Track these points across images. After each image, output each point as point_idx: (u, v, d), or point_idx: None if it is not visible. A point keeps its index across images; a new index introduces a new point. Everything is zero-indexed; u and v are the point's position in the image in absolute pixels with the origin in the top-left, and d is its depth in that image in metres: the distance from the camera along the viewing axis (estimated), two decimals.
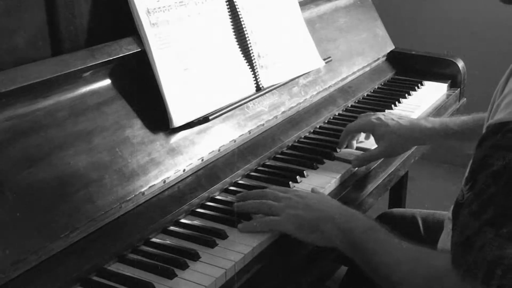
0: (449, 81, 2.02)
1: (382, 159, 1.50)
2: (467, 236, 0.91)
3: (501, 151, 0.88)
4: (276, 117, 1.53)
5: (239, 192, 1.28)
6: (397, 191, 2.33)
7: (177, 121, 1.26)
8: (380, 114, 1.52)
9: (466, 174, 0.99)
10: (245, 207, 1.19)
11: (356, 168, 1.44)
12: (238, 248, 1.09)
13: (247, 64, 1.47)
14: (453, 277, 0.92)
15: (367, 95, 1.91)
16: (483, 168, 0.91)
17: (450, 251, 0.95)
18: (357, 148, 1.52)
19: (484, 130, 0.97)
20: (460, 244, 0.92)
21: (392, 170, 1.53)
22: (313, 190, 1.27)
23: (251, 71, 1.47)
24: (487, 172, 0.90)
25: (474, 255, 0.89)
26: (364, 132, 1.55)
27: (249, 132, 1.44)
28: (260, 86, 1.49)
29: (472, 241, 0.89)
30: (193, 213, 1.21)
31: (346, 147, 1.52)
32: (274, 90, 1.55)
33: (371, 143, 1.52)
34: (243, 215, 1.18)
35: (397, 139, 1.46)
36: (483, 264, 0.87)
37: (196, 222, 1.17)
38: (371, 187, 1.44)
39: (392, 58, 2.13)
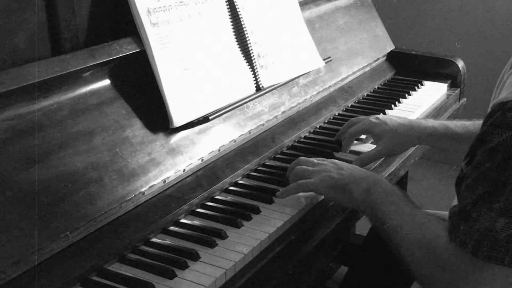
0: (449, 81, 2.02)
1: (382, 159, 1.50)
2: (463, 208, 0.96)
3: (499, 128, 0.93)
4: (276, 117, 1.53)
5: (239, 192, 1.28)
6: None
7: (177, 121, 1.26)
8: (378, 115, 1.52)
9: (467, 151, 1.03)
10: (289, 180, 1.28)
11: None
12: (238, 248, 1.09)
13: (247, 64, 1.47)
14: (447, 245, 0.97)
15: (367, 95, 1.91)
16: (481, 144, 0.96)
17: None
18: (351, 152, 1.51)
19: (489, 109, 1.01)
20: (457, 214, 0.97)
21: (392, 170, 1.53)
22: None
23: (251, 71, 1.47)
24: (484, 148, 0.94)
25: (467, 226, 0.94)
26: (364, 133, 1.55)
27: (249, 132, 1.44)
28: (260, 86, 1.49)
29: (467, 212, 0.95)
30: (193, 213, 1.21)
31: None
32: (274, 90, 1.55)
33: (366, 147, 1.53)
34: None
35: (396, 138, 1.46)
36: (474, 235, 0.93)
37: (196, 222, 1.17)
38: None
39: (392, 58, 2.13)
